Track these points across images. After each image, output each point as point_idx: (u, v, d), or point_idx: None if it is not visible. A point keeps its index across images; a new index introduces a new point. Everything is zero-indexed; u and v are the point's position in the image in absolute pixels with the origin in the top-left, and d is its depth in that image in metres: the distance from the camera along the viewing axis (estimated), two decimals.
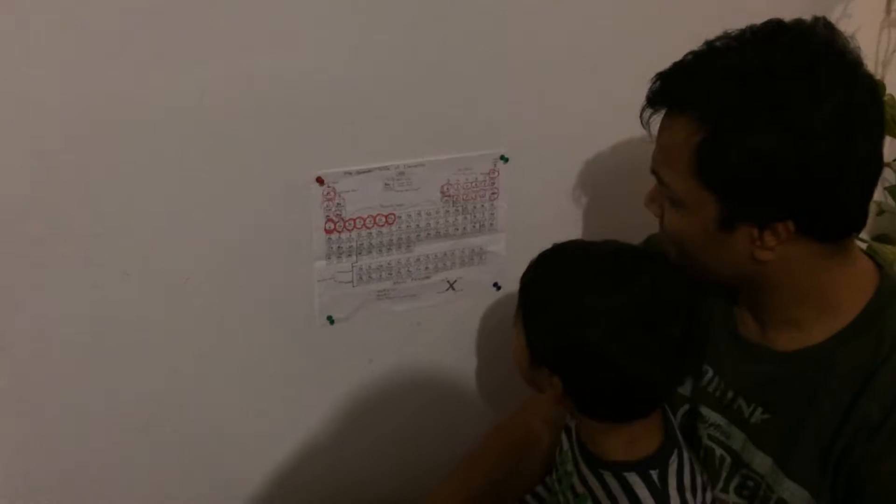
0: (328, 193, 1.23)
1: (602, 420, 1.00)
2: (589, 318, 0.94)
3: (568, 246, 1.03)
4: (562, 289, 0.97)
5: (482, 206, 1.33)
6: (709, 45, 0.94)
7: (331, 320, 1.31)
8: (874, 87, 0.90)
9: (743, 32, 0.93)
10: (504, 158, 1.32)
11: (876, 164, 0.91)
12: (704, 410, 1.08)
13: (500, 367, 1.42)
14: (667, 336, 0.94)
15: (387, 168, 1.25)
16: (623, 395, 0.96)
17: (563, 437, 1.12)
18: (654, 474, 0.98)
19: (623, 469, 0.99)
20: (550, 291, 0.98)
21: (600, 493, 0.99)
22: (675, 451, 1.01)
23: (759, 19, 0.93)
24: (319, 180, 1.21)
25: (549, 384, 0.99)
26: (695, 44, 0.95)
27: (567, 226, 1.41)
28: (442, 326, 1.39)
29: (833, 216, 0.92)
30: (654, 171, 1.02)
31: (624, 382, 0.95)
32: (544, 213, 1.38)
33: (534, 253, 1.28)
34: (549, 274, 1.00)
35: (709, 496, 1.02)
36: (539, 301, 1.00)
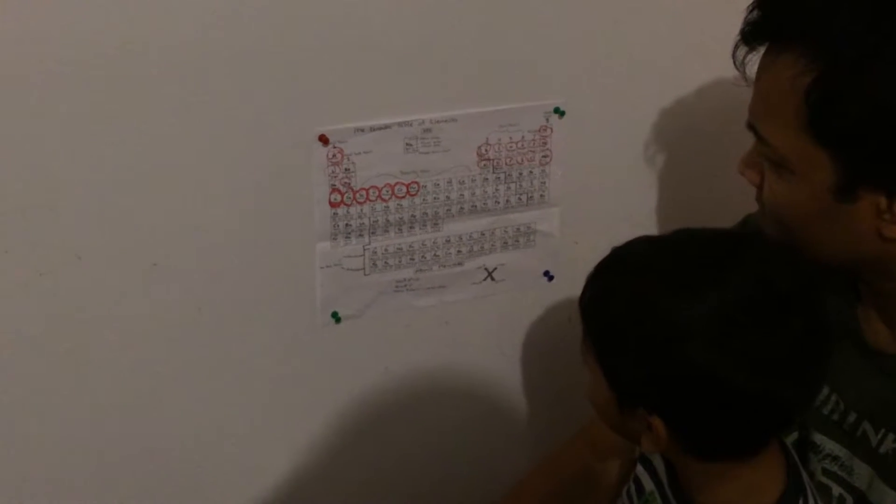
0: (334, 156, 1.21)
1: (718, 460, 0.98)
2: (684, 329, 0.92)
3: (633, 246, 1.01)
4: (641, 301, 0.95)
5: (530, 172, 1.32)
6: None
7: (336, 318, 1.30)
8: None
9: None
10: (559, 112, 1.30)
11: None
12: (818, 438, 1.06)
13: (550, 382, 1.45)
14: (785, 336, 0.91)
15: (409, 124, 1.23)
16: (743, 420, 0.94)
17: (641, 472, 1.09)
18: None
19: None
20: (626, 307, 0.96)
21: None
22: (801, 499, 0.99)
23: None
24: (323, 139, 1.20)
25: (646, 427, 0.97)
26: None
27: (639, 198, 1.39)
28: (477, 327, 1.38)
29: None
30: (750, 127, 0.99)
31: (743, 402, 0.92)
32: (611, 183, 1.37)
33: (596, 233, 1.31)
34: (618, 286, 0.98)
35: None
36: (614, 322, 0.97)
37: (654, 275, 0.95)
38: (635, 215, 1.37)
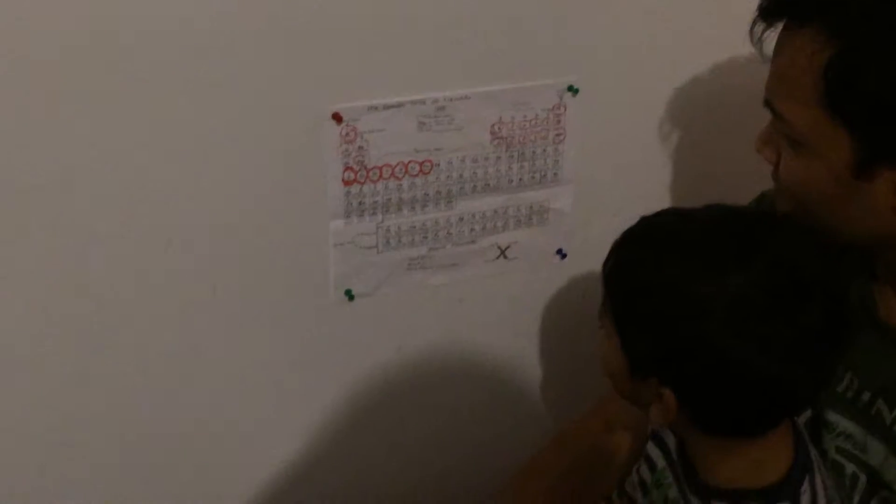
0: (347, 134, 1.22)
1: (724, 436, 0.98)
2: (705, 307, 0.92)
3: (662, 217, 1.01)
4: (664, 273, 0.95)
5: (544, 150, 1.32)
6: None
7: (349, 295, 1.30)
8: None
9: None
10: (573, 90, 1.30)
11: None
12: (832, 416, 1.06)
13: (564, 358, 1.45)
14: (804, 322, 0.92)
15: (422, 102, 1.23)
16: (755, 402, 0.95)
17: (652, 449, 1.10)
18: None
19: (744, 500, 0.97)
20: (649, 278, 0.96)
21: None
22: (807, 477, 0.99)
23: None
24: (336, 117, 1.20)
25: (656, 398, 0.97)
26: None
27: (653, 177, 1.39)
28: (490, 304, 1.38)
29: None
30: (767, 104, 1.00)
31: (756, 385, 0.93)
32: (624, 161, 1.37)
33: (609, 211, 1.36)
34: (643, 256, 0.98)
35: None
36: (635, 292, 0.98)
37: (679, 249, 0.95)
38: (649, 194, 1.36)
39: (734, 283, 0.92)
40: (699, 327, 0.92)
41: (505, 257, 1.36)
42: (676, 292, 0.94)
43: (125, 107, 1.10)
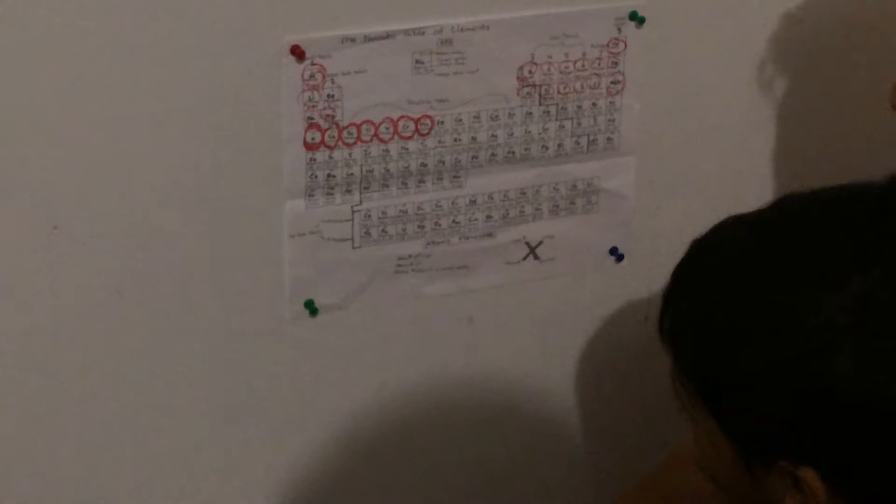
0: (312, 76, 1.20)
1: None
2: (824, 333, 0.93)
3: (721, 233, 1.03)
4: (751, 304, 0.96)
5: (594, 105, 1.31)
6: None
7: (312, 309, 1.29)
8: None
9: None
10: (637, 17, 1.30)
11: None
12: None
13: (614, 402, 1.45)
14: None
15: (420, 31, 1.22)
16: None
17: None
18: None
19: None
20: (733, 318, 0.97)
21: None
22: None
23: None
24: (296, 52, 1.19)
25: (791, 486, 0.97)
26: None
27: (747, 142, 1.39)
28: (513, 325, 1.38)
29: None
30: None
31: None
32: (708, 121, 1.37)
33: (685, 193, 1.35)
34: (714, 291, 0.99)
35: None
36: (719, 346, 0.98)
37: (764, 263, 0.97)
38: (743, 167, 1.35)
39: (855, 290, 0.93)
40: (823, 365, 0.93)
41: (536, 258, 1.35)
42: (779, 325, 0.95)
43: None
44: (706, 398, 0.99)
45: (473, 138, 1.28)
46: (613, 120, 1.32)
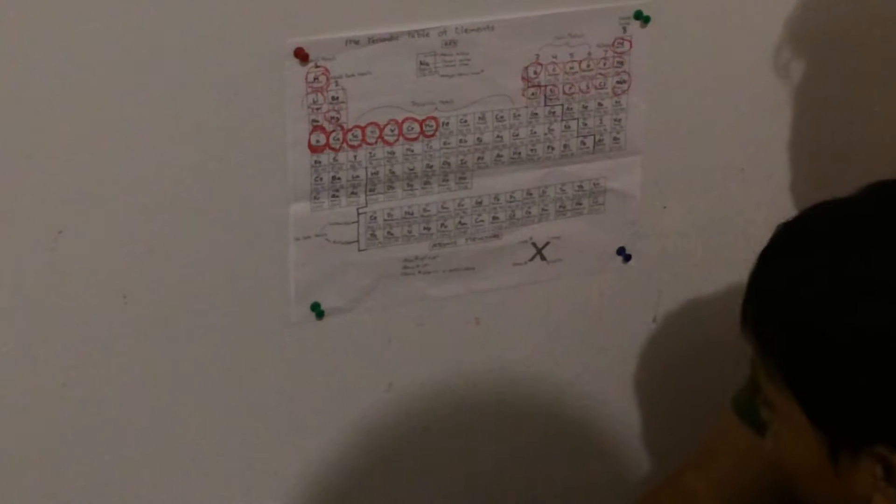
0: (316, 79, 1.20)
1: None
2: None
3: (815, 212, 1.04)
4: (852, 272, 0.97)
5: (600, 105, 1.31)
6: None
7: (318, 312, 1.29)
8: None
9: None
10: (642, 17, 1.30)
11: None
12: None
13: (626, 406, 1.44)
14: None
15: (424, 33, 1.22)
16: None
17: None
18: None
19: None
20: (829, 287, 0.97)
21: None
22: None
23: None
24: (300, 54, 1.19)
25: (879, 482, 0.97)
26: None
27: (755, 140, 1.38)
28: (521, 327, 1.38)
29: None
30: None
31: None
32: (715, 119, 1.37)
33: (693, 193, 1.33)
34: (809, 262, 1.00)
35: None
36: (813, 319, 0.98)
37: (859, 235, 0.99)
38: (752, 166, 1.34)
39: None
40: None
41: (543, 259, 1.35)
42: (879, 292, 0.95)
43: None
44: (793, 383, 0.99)
45: (479, 139, 1.28)
46: (619, 120, 1.32)
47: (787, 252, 1.02)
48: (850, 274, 0.97)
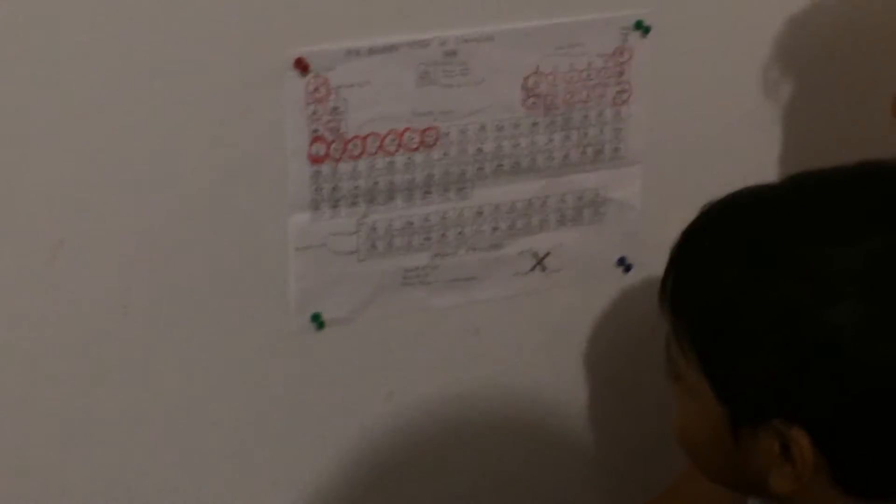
0: (316, 89, 1.21)
1: (884, 499, 0.97)
2: (833, 286, 0.93)
3: (738, 195, 1.03)
4: (767, 252, 0.97)
5: (600, 115, 1.31)
6: None
7: (318, 322, 1.29)
8: None
9: None
10: (642, 27, 1.30)
11: None
12: None
13: (625, 415, 1.45)
14: None
15: (425, 44, 1.23)
16: None
17: None
18: None
19: None
20: (745, 265, 0.98)
21: None
22: None
23: None
24: (300, 65, 1.19)
25: (777, 456, 0.97)
26: None
27: (754, 150, 1.39)
28: (521, 337, 1.38)
29: None
30: None
31: None
32: (714, 129, 1.37)
33: (693, 203, 1.24)
34: (729, 239, 1.00)
35: None
36: (726, 294, 0.98)
37: (777, 217, 0.98)
38: (752, 175, 1.31)
39: (870, 247, 0.94)
40: (833, 313, 0.93)
41: (543, 269, 1.35)
42: (791, 273, 0.95)
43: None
44: (704, 359, 0.99)
45: (479, 149, 1.28)
46: (620, 129, 1.32)
47: (707, 230, 1.02)
48: (765, 253, 0.97)
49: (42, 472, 1.26)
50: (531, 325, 1.37)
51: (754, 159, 1.38)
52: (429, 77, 1.23)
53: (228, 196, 1.21)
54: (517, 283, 1.34)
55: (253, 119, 1.19)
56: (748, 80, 1.36)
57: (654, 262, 1.29)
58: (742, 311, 0.97)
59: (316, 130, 1.21)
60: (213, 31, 1.15)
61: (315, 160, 1.22)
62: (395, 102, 1.23)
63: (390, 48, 1.21)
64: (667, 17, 1.29)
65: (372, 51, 1.21)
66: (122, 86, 1.14)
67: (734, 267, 0.98)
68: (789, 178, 1.03)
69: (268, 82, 1.18)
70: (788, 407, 0.95)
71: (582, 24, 1.26)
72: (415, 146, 1.26)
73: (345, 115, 1.22)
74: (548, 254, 1.34)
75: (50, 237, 1.16)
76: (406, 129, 1.25)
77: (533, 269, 1.35)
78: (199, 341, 1.25)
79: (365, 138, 1.24)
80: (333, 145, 1.22)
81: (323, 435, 1.33)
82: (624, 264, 1.38)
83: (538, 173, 1.31)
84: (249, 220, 1.22)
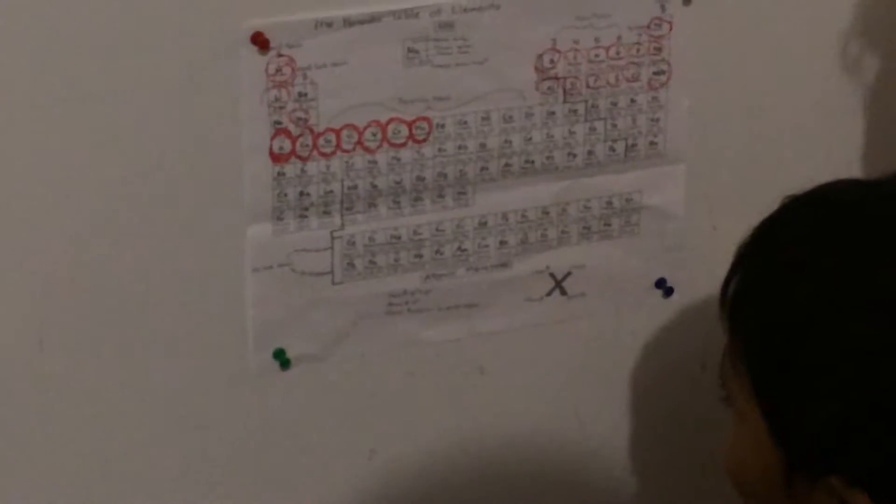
0: (279, 70, 1.17)
1: None
2: None
3: (835, 188, 1.03)
4: (854, 274, 0.95)
5: (632, 102, 1.29)
6: None
7: (283, 360, 1.24)
8: None
9: None
10: None
11: None
12: None
13: (662, 469, 1.42)
14: None
15: (412, 13, 1.19)
16: None
17: None
18: None
19: None
20: (821, 287, 0.96)
21: None
22: None
23: None
24: (259, 40, 1.15)
25: None
26: None
27: (824, 144, 1.37)
28: (536, 378, 1.35)
29: None
30: None
31: None
32: (776, 121, 1.35)
33: (749, 211, 1.18)
34: (807, 250, 0.98)
35: None
36: (796, 318, 0.96)
37: (869, 229, 0.97)
38: (821, 175, 1.29)
39: None
40: None
41: (563, 293, 1.32)
42: (872, 303, 0.94)
43: None
44: (759, 388, 0.98)
45: (482, 145, 1.23)
46: (657, 120, 1.29)
47: (785, 229, 1.03)
48: (852, 273, 0.96)
49: None
50: (549, 363, 1.33)
51: (828, 156, 1.37)
52: (419, 55, 1.19)
53: (169, 205, 1.16)
54: (530, 310, 1.30)
55: (201, 108, 1.15)
56: (821, 58, 1.35)
57: (700, 285, 1.33)
58: (811, 340, 0.96)
59: (279, 122, 1.17)
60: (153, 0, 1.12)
61: (277, 159, 1.18)
62: (376, 87, 1.19)
63: (371, 19, 1.17)
64: None
65: (348, 22, 1.16)
66: (41, 69, 1.10)
67: (810, 282, 0.97)
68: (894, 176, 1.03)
69: (218, 62, 1.14)
70: (851, 463, 0.96)
71: None
72: (402, 141, 1.21)
73: (314, 103, 1.18)
74: (569, 274, 1.30)
75: None
76: (391, 120, 1.20)
77: (550, 293, 1.30)
78: (135, 384, 1.20)
79: (339, 131, 1.19)
80: (300, 140, 1.18)
81: (287, 499, 1.29)
82: (664, 287, 1.33)
83: (556, 174, 1.26)
84: (196, 235, 1.18)
